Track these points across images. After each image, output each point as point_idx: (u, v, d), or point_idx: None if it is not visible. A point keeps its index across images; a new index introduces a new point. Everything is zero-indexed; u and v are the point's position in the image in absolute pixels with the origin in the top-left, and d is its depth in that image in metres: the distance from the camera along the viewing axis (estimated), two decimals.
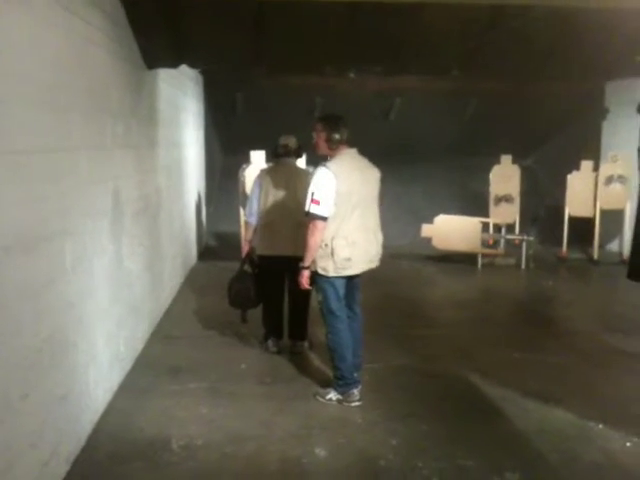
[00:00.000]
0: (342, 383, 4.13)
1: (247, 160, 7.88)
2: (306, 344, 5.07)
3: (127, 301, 4.58)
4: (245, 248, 5.03)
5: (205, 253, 9.25)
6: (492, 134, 10.40)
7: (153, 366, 4.73)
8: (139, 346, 4.99)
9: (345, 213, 3.90)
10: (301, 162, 5.68)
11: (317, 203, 3.81)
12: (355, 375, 4.14)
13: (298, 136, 4.99)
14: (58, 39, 3.18)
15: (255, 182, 4.95)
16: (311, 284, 4.08)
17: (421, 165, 10.75)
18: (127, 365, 4.57)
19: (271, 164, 5.04)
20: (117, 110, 4.39)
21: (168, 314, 6.10)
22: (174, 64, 5.03)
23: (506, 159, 9.66)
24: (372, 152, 4.23)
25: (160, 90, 5.97)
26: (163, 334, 5.50)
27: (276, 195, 4.81)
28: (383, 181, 4.22)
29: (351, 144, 4.07)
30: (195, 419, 3.88)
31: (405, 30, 4.72)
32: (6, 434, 2.52)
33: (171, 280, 6.63)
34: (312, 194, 3.83)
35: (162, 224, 6.04)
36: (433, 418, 3.93)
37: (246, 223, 5.10)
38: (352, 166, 3.98)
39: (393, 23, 4.62)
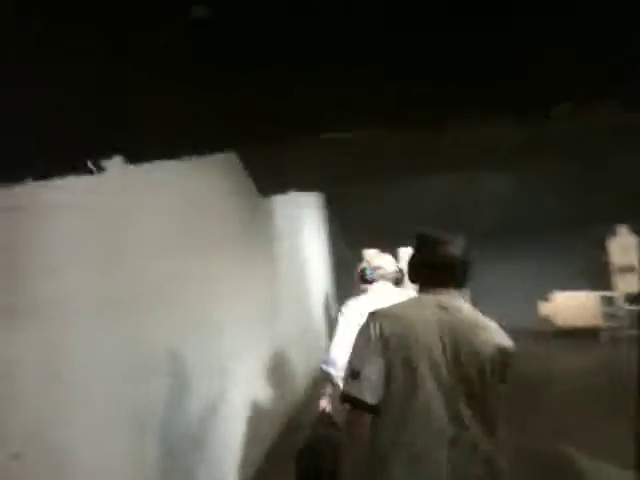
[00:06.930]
0: None
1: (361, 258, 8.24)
2: None
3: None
4: (323, 405, 3.50)
5: None
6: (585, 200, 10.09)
7: None
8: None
9: (409, 398, 2.16)
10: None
11: (355, 377, 2.20)
12: None
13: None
14: (193, 200, 4.13)
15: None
16: None
17: (517, 242, 10.87)
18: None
19: (370, 297, 3.50)
20: (236, 235, 5.27)
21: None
22: (284, 192, 6.12)
23: (622, 229, 9.68)
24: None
25: (275, 209, 6.90)
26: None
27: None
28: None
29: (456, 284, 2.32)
30: None
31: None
32: None
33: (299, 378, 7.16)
34: (350, 363, 2.29)
35: (283, 329, 6.61)
36: None
37: (328, 380, 3.47)
38: (429, 319, 2.20)
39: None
